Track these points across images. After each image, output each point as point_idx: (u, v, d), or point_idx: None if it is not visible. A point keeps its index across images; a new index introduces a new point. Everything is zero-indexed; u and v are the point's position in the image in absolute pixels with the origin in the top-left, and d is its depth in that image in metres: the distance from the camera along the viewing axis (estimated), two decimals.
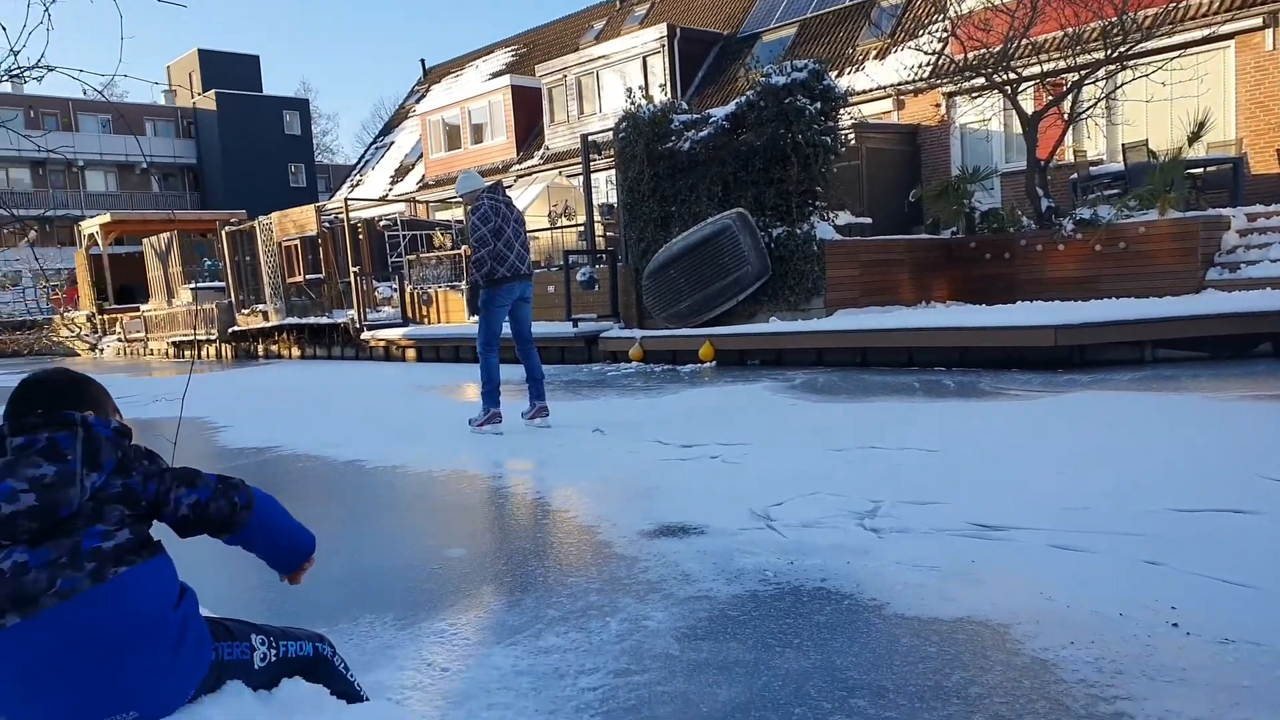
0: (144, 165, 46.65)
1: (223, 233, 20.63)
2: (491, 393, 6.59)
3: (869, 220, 12.88)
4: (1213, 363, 7.82)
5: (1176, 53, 12.64)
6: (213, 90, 47.05)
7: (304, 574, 1.95)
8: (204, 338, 21.24)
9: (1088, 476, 4.06)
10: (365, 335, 16.22)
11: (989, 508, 3.64)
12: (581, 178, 14.89)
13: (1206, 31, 13.12)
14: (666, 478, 4.67)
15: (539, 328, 12.61)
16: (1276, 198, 12.30)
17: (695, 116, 11.96)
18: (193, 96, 47.54)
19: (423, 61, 34.38)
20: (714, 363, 10.57)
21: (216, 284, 21.97)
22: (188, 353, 21.83)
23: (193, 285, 22.32)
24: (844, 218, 12.06)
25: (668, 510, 4.00)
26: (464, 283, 14.51)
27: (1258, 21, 13.15)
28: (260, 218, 19.57)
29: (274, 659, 1.77)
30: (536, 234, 17.22)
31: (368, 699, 1.91)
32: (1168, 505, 3.51)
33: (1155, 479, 3.93)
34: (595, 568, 3.26)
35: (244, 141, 47.35)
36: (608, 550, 3.46)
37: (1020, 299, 10.95)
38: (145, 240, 24.56)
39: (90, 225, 26.32)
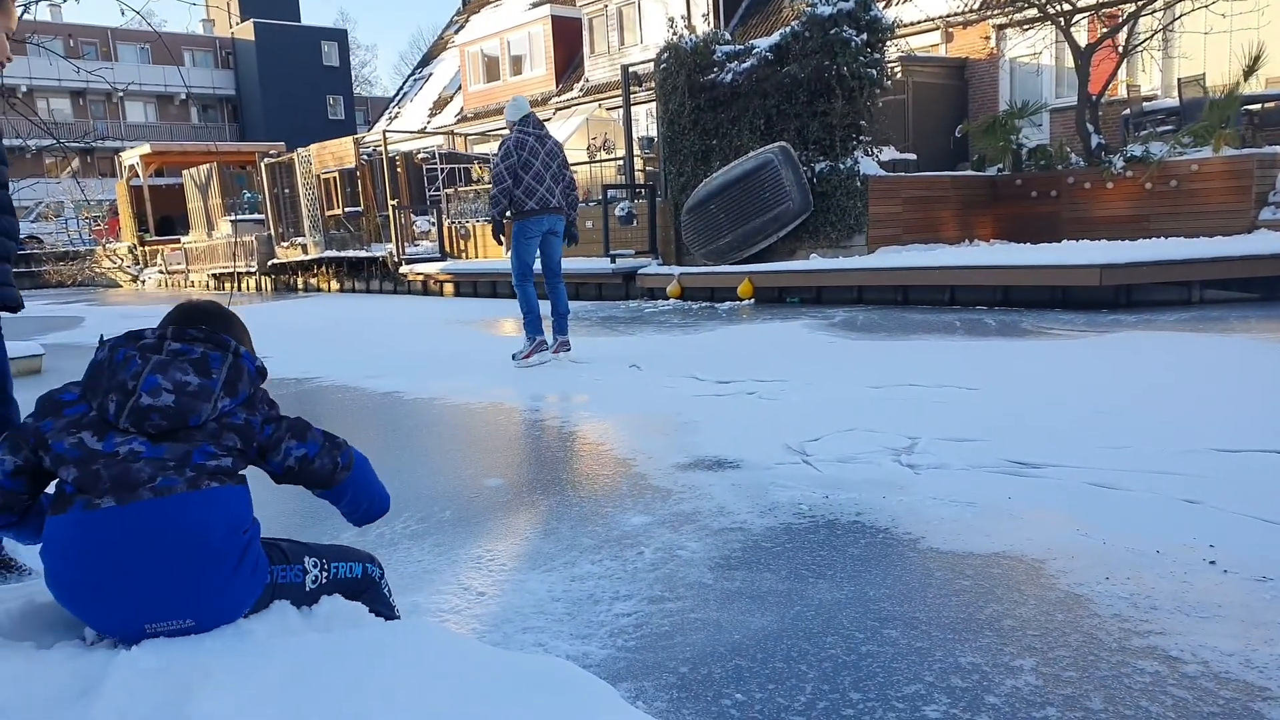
0: (184, 95, 46.79)
1: (262, 165, 20.70)
2: (533, 322, 6.65)
3: (913, 156, 12.58)
4: (1263, 304, 7.63)
5: None
6: (251, 20, 46.81)
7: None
8: (244, 270, 21.51)
9: (1128, 416, 4.01)
10: (403, 269, 16.31)
11: (1027, 445, 3.62)
12: (621, 110, 14.69)
13: None
14: (702, 413, 4.69)
15: (577, 263, 12.66)
16: None
17: (738, 48, 11.68)
18: (231, 25, 47.36)
19: None
20: (753, 300, 10.50)
21: (256, 216, 22.14)
22: (228, 285, 22.15)
23: (232, 217, 22.51)
24: (888, 153, 11.79)
25: (703, 444, 4.02)
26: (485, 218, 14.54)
27: None
28: (299, 150, 19.59)
29: (325, 580, 1.85)
30: (575, 167, 17.07)
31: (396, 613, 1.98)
32: (1208, 445, 3.47)
33: (1197, 419, 3.88)
34: (630, 498, 3.30)
35: (282, 72, 47.22)
36: (643, 482, 3.50)
37: (1066, 238, 10.71)
38: (185, 172, 24.75)
39: (130, 156, 26.53)
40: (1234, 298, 7.86)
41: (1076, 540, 2.64)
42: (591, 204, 14.25)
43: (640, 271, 12.10)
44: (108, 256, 27.74)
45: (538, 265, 6.75)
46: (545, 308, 6.87)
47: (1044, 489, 3.13)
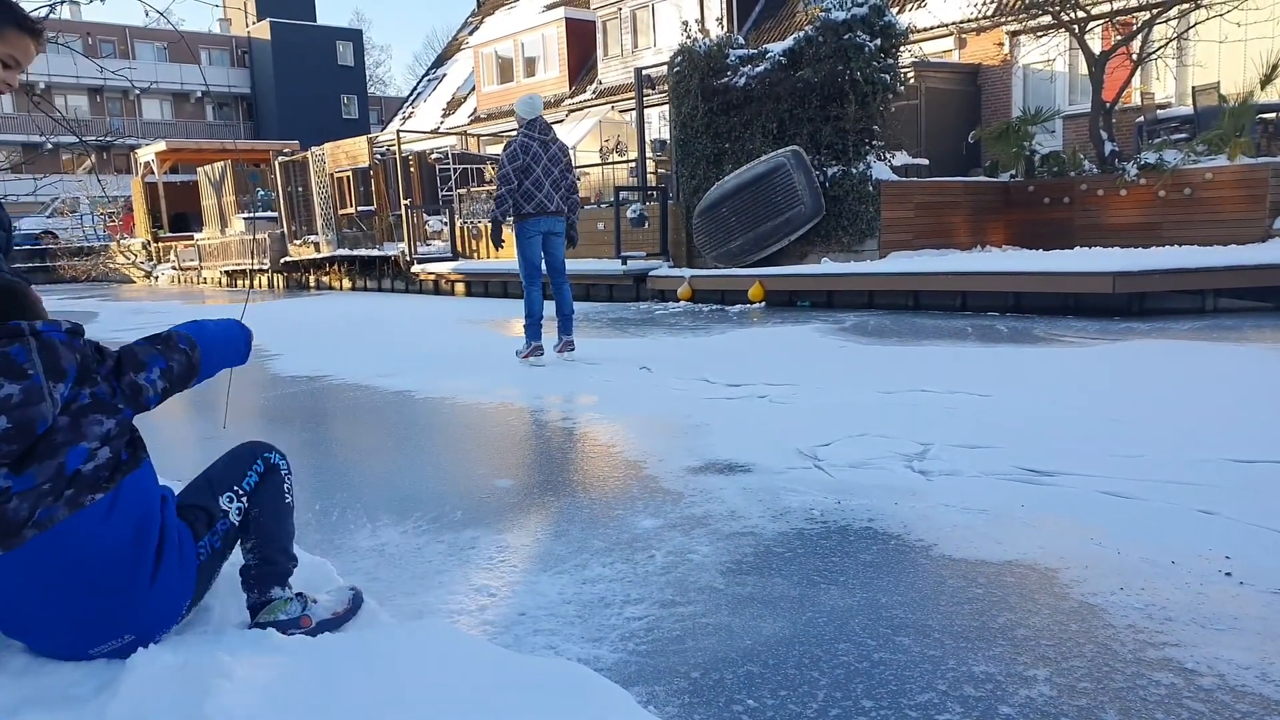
0: (200, 94, 47.04)
1: (276, 163, 20.79)
2: (533, 325, 6.78)
3: (926, 161, 12.55)
4: (1277, 313, 7.58)
5: None
6: (267, 19, 47.05)
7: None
8: (257, 267, 21.59)
9: (1141, 424, 3.99)
10: (415, 268, 16.35)
11: (1040, 453, 3.61)
12: (634, 113, 14.70)
13: None
14: (713, 416, 4.68)
15: (588, 264, 12.68)
16: None
17: (752, 52, 11.68)
18: (247, 25, 47.59)
19: None
20: (763, 303, 10.49)
21: (269, 214, 22.23)
22: (240, 282, 22.24)
23: (246, 215, 22.61)
24: (901, 158, 11.77)
25: (714, 448, 4.02)
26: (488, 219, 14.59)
27: None
28: (313, 148, 19.67)
29: (246, 503, 1.80)
30: (587, 169, 17.11)
31: (290, 502, 1.93)
32: (1223, 455, 3.45)
33: (1212, 428, 3.85)
34: (641, 501, 3.30)
35: (297, 72, 47.45)
36: (654, 485, 3.50)
37: (1079, 245, 10.66)
38: (200, 169, 24.88)
39: (146, 153, 26.68)
40: (1248, 307, 7.81)
41: (1090, 549, 2.62)
42: (603, 206, 14.27)
43: (651, 273, 12.10)
44: (122, 253, 27.89)
45: (543, 266, 6.83)
46: (549, 308, 6.90)
47: (1057, 497, 3.11)
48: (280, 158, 20.80)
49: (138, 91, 45.48)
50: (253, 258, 21.51)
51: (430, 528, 3.11)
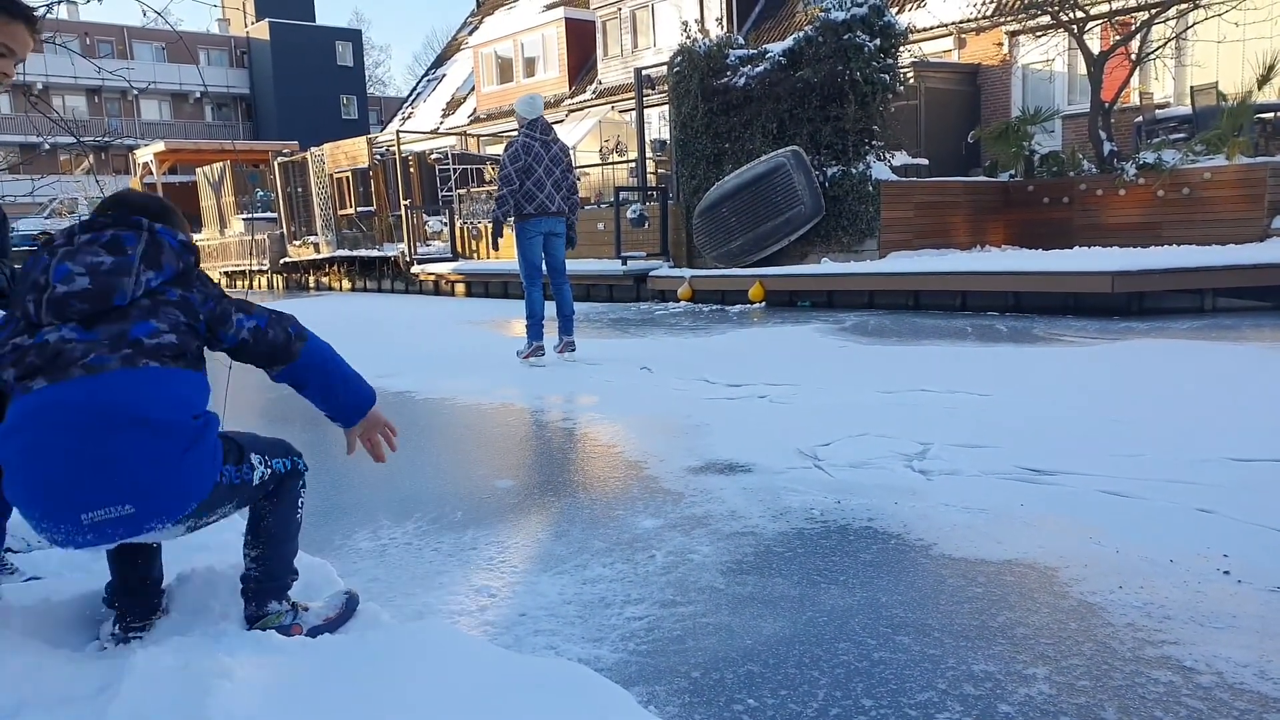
0: (199, 94, 47.04)
1: (275, 163, 20.80)
2: (534, 326, 6.79)
3: (926, 161, 12.56)
4: (1276, 312, 7.59)
5: None
6: (266, 20, 47.07)
7: (376, 437, 1.99)
8: (256, 268, 21.61)
9: (1141, 423, 4.00)
10: (415, 269, 16.36)
11: (1039, 452, 3.61)
12: (634, 113, 14.71)
13: None
14: (714, 416, 4.69)
15: (588, 265, 12.69)
16: None
17: (751, 52, 11.69)
18: (246, 25, 47.60)
19: None
20: (764, 303, 10.50)
21: (269, 215, 22.25)
22: (240, 283, 22.25)
23: (245, 216, 22.63)
24: (900, 158, 11.78)
25: (714, 448, 4.02)
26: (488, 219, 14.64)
27: None
28: (312, 149, 19.69)
29: (268, 476, 1.82)
30: (587, 169, 17.12)
31: (300, 518, 1.94)
32: (1222, 454, 3.45)
33: (1211, 428, 3.86)
34: (641, 502, 3.30)
35: (296, 72, 47.47)
36: (654, 485, 3.51)
37: (1078, 244, 10.68)
38: (199, 170, 24.89)
39: (144, 154, 26.67)
40: (1247, 306, 7.82)
41: (1089, 548, 2.63)
42: (603, 206, 14.27)
43: (651, 274, 12.11)
44: None
45: (544, 267, 6.85)
46: (550, 308, 6.91)
47: (1056, 496, 3.12)
48: (279, 158, 20.81)
49: (136, 92, 45.49)
50: (252, 258, 21.52)
51: (430, 528, 3.11)
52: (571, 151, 7.09)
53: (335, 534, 3.10)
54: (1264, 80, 11.40)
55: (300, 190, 20.23)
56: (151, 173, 26.64)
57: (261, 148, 26.27)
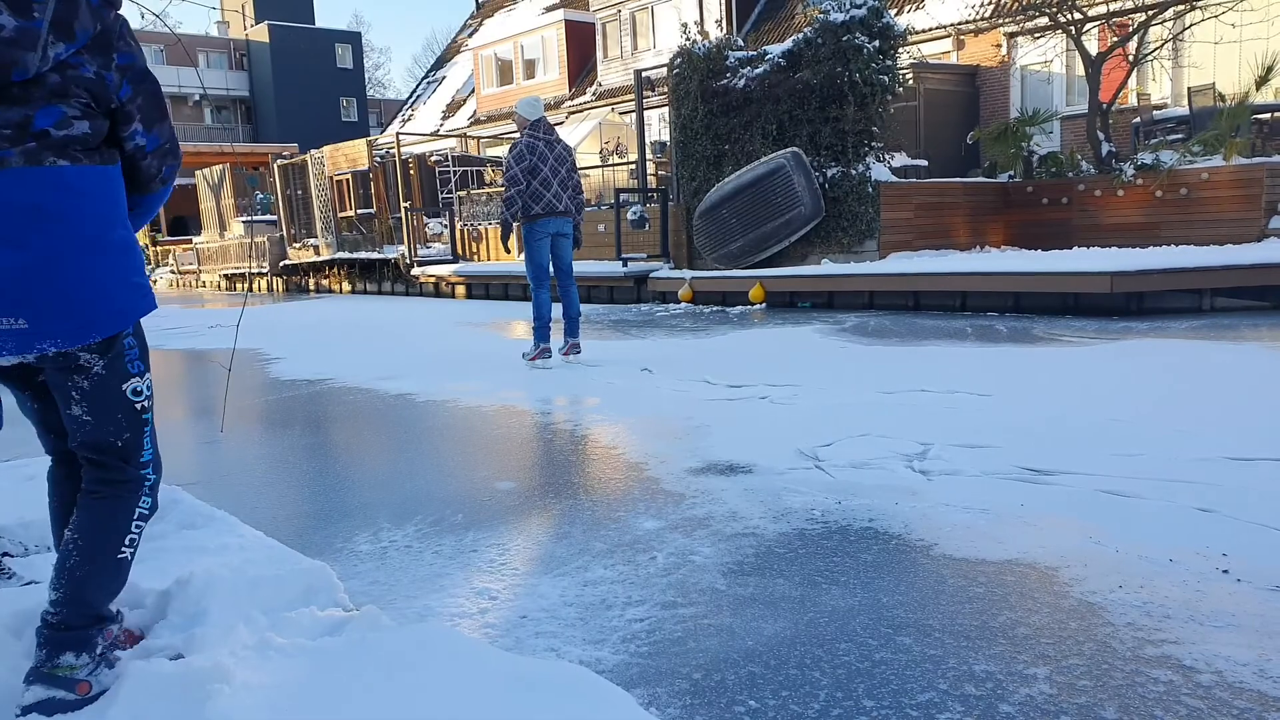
0: (198, 97, 47.05)
1: (274, 166, 20.81)
2: (541, 329, 6.78)
3: (925, 162, 12.57)
4: (1274, 312, 7.60)
5: None
6: (265, 22, 47.08)
7: None
8: (255, 271, 21.61)
9: (1140, 423, 4.00)
10: (415, 271, 16.37)
11: (1039, 452, 3.62)
12: (634, 115, 14.72)
13: None
14: (714, 417, 4.69)
15: (589, 266, 12.69)
16: None
17: (751, 54, 11.71)
18: (245, 27, 47.61)
19: None
20: (764, 304, 10.50)
21: (268, 217, 22.25)
22: (239, 285, 22.25)
23: (245, 218, 22.63)
24: (900, 159, 11.79)
25: (715, 449, 4.03)
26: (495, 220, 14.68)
27: None
28: (312, 151, 19.71)
29: (146, 427, 1.62)
30: (587, 171, 17.13)
31: (127, 556, 1.64)
32: (1221, 453, 3.46)
33: (1209, 427, 3.86)
34: (643, 503, 3.31)
35: (296, 74, 47.46)
36: (655, 486, 3.51)
37: (1077, 245, 10.70)
38: (198, 172, 24.92)
39: None
40: (1245, 306, 7.83)
41: (1089, 548, 2.63)
42: (603, 207, 14.28)
43: (652, 275, 12.12)
44: None
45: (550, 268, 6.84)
46: (557, 310, 6.90)
47: (1056, 496, 3.12)
48: (279, 161, 20.83)
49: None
50: (252, 261, 21.53)
51: (431, 531, 3.12)
52: (574, 152, 7.08)
53: (336, 537, 3.10)
54: (1262, 81, 11.43)
55: (300, 193, 20.24)
56: None
57: (261, 150, 26.31)
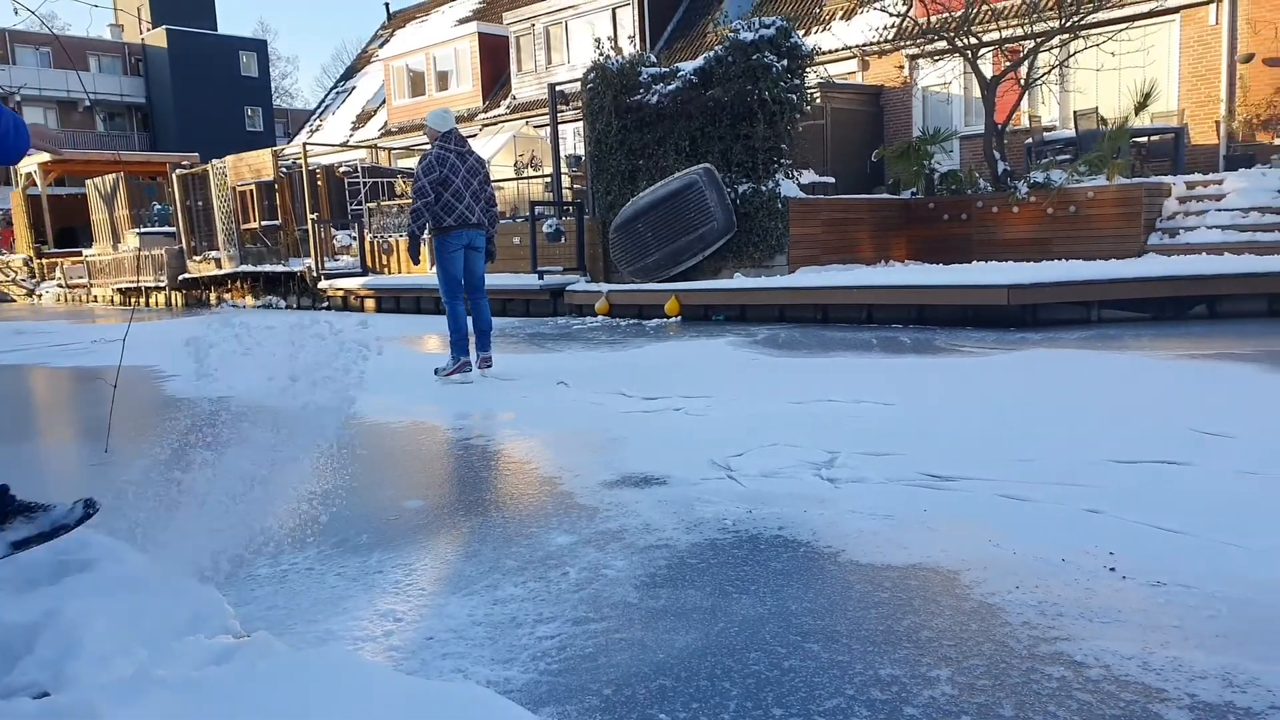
0: (87, 103, 44.99)
1: (173, 176, 20.03)
2: (459, 342, 6.64)
3: (832, 179, 12.90)
4: (1154, 323, 8.04)
5: (1125, 24, 12.80)
6: (163, 27, 45.37)
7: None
8: (152, 284, 20.74)
9: (1034, 429, 4.17)
10: (323, 284, 15.96)
11: (941, 459, 3.73)
12: (548, 128, 14.70)
13: (1154, 4, 13.27)
14: (630, 430, 4.70)
15: (504, 279, 12.59)
16: (1214, 167, 12.64)
17: (664, 70, 11.84)
18: (141, 31, 45.78)
19: (387, 5, 33.45)
20: (679, 317, 10.59)
21: (166, 229, 21.40)
22: (135, 300, 21.31)
23: (140, 230, 21.71)
24: (808, 176, 12.07)
25: (630, 461, 4.03)
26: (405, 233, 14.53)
27: None
28: (214, 161, 19.03)
29: None
30: (502, 184, 17.00)
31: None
32: (1108, 457, 3.63)
33: (1098, 432, 4.06)
34: (556, 518, 3.28)
35: (197, 82, 45.85)
36: (569, 501, 3.49)
37: (976, 259, 11.14)
38: (89, 181, 23.76)
39: (28, 164, 25.28)
40: (1128, 317, 8.27)
41: (988, 551, 2.72)
42: (519, 220, 14.20)
43: (568, 288, 12.09)
44: (0, 269, 26.38)
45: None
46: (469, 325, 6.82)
47: (957, 501, 3.22)
48: (178, 170, 20.06)
49: (18, 98, 43.17)
50: (149, 274, 20.65)
51: (335, 552, 3.03)
52: (487, 164, 7.02)
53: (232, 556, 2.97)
54: (1140, 106, 12.16)
55: (201, 204, 19.52)
56: (36, 184, 25.33)
57: (159, 159, 25.29)
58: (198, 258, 19.67)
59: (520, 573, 2.74)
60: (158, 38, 45.60)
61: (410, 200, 6.52)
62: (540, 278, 12.38)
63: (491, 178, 7.02)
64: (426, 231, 6.56)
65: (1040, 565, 2.58)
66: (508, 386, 6.37)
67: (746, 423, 4.67)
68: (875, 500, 3.26)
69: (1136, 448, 3.75)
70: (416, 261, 6.67)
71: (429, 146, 6.59)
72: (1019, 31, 12.25)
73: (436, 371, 6.72)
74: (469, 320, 6.75)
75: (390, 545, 3.08)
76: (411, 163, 21.90)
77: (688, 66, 11.51)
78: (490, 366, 6.80)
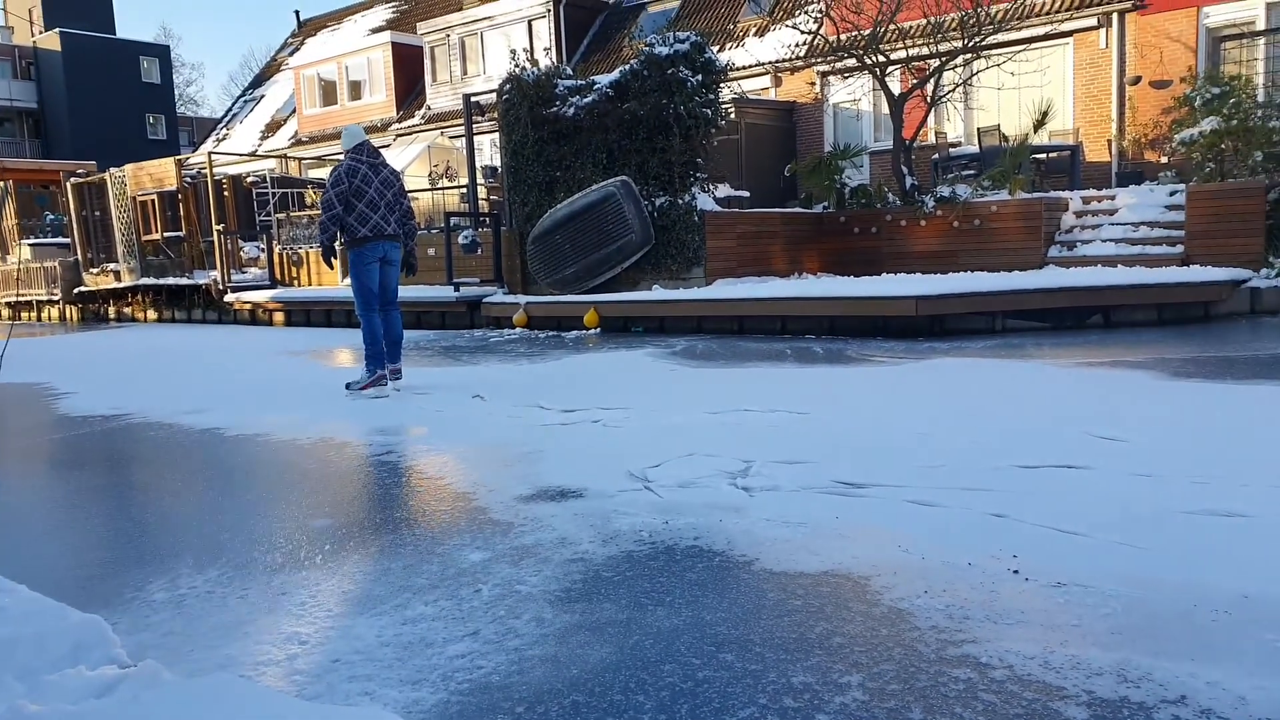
0: None
1: (68, 185, 19.12)
2: (375, 355, 6.53)
3: (747, 193, 13.11)
4: (1054, 332, 8.38)
5: (1023, 46, 13.41)
6: (56, 29, 43.31)
7: None
8: (45, 298, 19.74)
9: (942, 437, 4.28)
10: (229, 297, 15.43)
11: (852, 466, 3.80)
12: (464, 139, 14.54)
13: (1049, 28, 13.91)
14: (547, 442, 4.65)
15: (419, 291, 12.38)
16: (1107, 183, 13.32)
17: (580, 82, 11.83)
18: (33, 33, 43.64)
19: (297, 13, 32.68)
20: (598, 329, 10.57)
21: (60, 240, 20.42)
22: (26, 314, 20.25)
23: (32, 241, 20.66)
24: (723, 190, 12.22)
25: (547, 474, 3.98)
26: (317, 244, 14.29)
27: (1093, 21, 14.08)
28: (112, 170, 18.23)
29: None
30: (417, 194, 16.73)
31: None
32: (1012, 462, 3.75)
33: (1002, 438, 4.19)
34: (469, 534, 3.22)
35: (94, 87, 43.85)
36: (483, 516, 3.43)
37: (885, 271, 11.45)
38: None
39: None
40: (1030, 327, 8.60)
41: (898, 556, 2.77)
42: (434, 231, 14.00)
43: (485, 300, 11.95)
44: None
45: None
46: (414, 337, 6.67)
47: (868, 508, 3.28)
48: (73, 179, 19.15)
49: None
50: (41, 287, 19.65)
51: (236, 575, 2.90)
52: (401, 176, 6.95)
53: (126, 586, 2.83)
54: (1039, 124, 12.70)
55: (98, 214, 18.68)
56: None
57: (51, 167, 24.08)
58: (95, 270, 18.80)
59: (431, 591, 2.68)
60: (51, 40, 43.51)
61: (319, 213, 6.42)
62: (456, 289, 12.22)
63: (407, 189, 6.94)
64: (339, 242, 6.52)
65: (948, 569, 2.64)
66: (422, 400, 6.25)
67: (664, 433, 4.68)
68: (789, 508, 3.30)
69: (1038, 453, 3.88)
70: (333, 267, 6.55)
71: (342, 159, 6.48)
72: (925, 51, 12.68)
73: (349, 386, 6.59)
74: (406, 335, 6.81)
75: (296, 566, 2.97)
76: (323, 173, 21.39)
77: (604, 80, 11.54)
78: (400, 377, 6.72)
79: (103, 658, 1.73)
